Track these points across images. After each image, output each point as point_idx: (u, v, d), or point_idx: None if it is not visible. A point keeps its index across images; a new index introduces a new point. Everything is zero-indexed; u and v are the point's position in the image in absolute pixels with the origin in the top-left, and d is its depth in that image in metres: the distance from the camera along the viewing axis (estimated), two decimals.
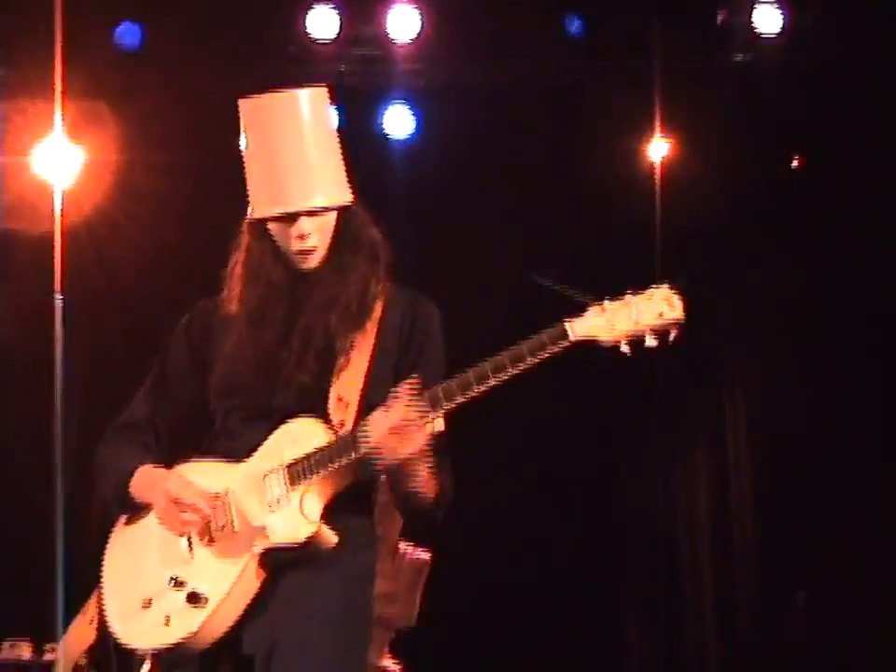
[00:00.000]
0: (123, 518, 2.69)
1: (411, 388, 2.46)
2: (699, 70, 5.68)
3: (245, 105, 2.66)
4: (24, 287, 5.58)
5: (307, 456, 2.55)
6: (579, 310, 2.51)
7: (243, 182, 6.03)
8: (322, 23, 5.58)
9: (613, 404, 5.85)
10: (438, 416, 2.50)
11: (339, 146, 2.65)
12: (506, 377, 2.48)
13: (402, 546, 5.21)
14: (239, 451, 2.62)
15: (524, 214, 5.74)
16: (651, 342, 2.50)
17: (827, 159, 5.76)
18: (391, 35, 5.61)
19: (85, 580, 2.80)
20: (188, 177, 5.64)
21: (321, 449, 2.54)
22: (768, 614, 5.86)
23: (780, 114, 5.68)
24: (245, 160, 2.66)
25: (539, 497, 5.86)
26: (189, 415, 2.71)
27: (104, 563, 2.66)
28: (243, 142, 2.67)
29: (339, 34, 5.61)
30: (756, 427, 6.10)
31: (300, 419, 2.59)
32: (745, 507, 6.08)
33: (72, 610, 4.74)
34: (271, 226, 2.61)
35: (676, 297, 2.51)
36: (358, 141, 5.72)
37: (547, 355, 2.49)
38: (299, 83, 6.19)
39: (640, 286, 2.53)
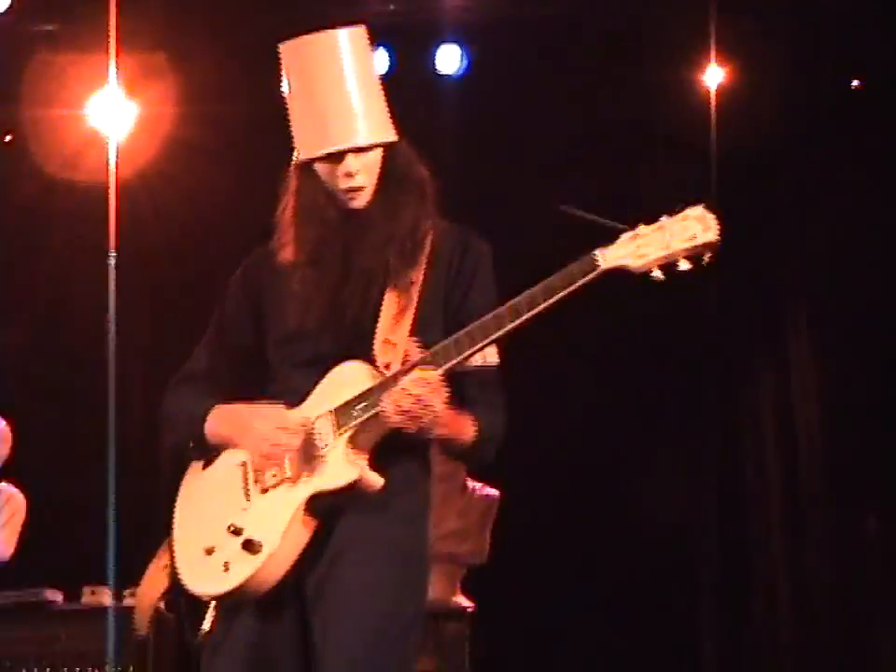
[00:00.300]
0: (198, 465, 2.69)
1: (418, 361, 2.49)
2: None
3: (285, 49, 2.63)
4: (79, 239, 5.63)
5: (352, 400, 2.55)
6: (612, 239, 2.44)
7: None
8: None
9: (672, 337, 5.82)
10: (449, 368, 2.49)
11: (380, 84, 2.63)
12: (538, 311, 2.45)
13: (471, 484, 5.24)
14: (292, 397, 2.62)
15: (579, 148, 5.69)
16: (684, 266, 2.40)
17: (888, 79, 5.64)
18: None
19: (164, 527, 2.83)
20: (243, 128, 5.65)
21: (365, 392, 2.55)
22: (839, 541, 5.81)
23: (838, 35, 5.54)
24: (287, 103, 2.64)
25: (602, 430, 5.87)
26: (247, 364, 2.71)
27: (175, 510, 2.67)
28: (285, 86, 2.65)
29: None
30: (822, 353, 6.04)
31: (347, 363, 2.59)
32: (812, 434, 6.01)
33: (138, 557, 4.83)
34: (318, 167, 2.60)
35: (711, 217, 2.40)
36: (409, 80, 5.81)
37: (578, 286, 2.44)
38: (347, 24, 6.16)
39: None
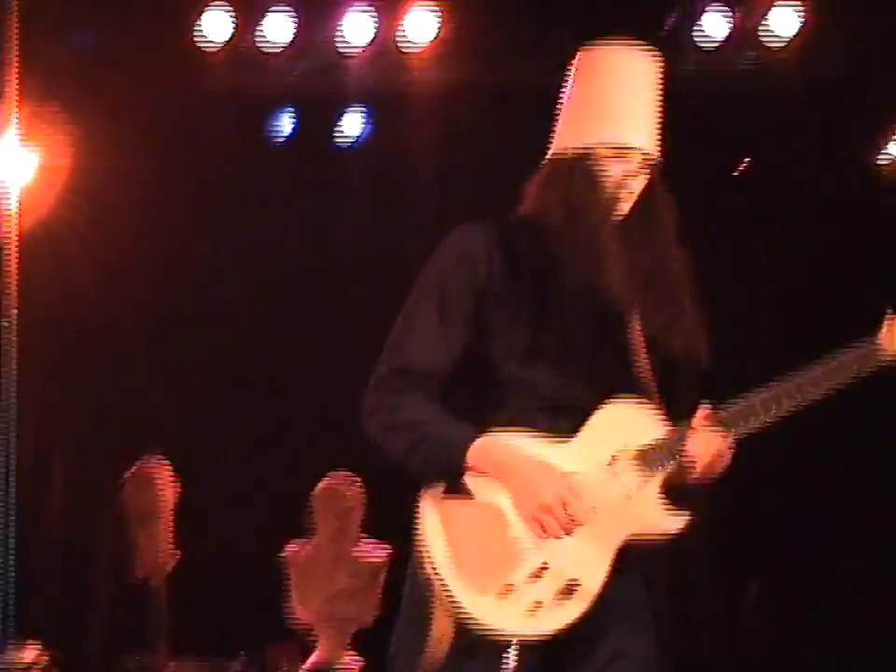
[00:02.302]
0: (441, 490, 2.39)
1: (718, 420, 2.41)
2: None
3: (585, 51, 2.55)
4: None
5: (658, 445, 2.42)
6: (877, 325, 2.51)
7: (204, 182, 5.98)
8: (277, 29, 5.61)
9: None
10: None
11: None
12: (819, 395, 2.45)
13: (362, 545, 5.28)
14: (557, 424, 2.42)
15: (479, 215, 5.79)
16: None
17: (774, 161, 5.85)
18: (345, 42, 5.66)
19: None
20: (144, 181, 5.67)
21: (668, 440, 2.42)
22: (721, 605, 5.89)
23: (730, 116, 5.71)
24: (567, 101, 2.53)
25: None
26: (467, 366, 2.45)
27: (427, 543, 2.35)
28: (569, 86, 2.55)
29: (293, 40, 5.65)
30: None
31: (626, 400, 2.44)
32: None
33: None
34: (599, 161, 2.46)
35: None
36: (311, 146, 5.87)
37: (859, 373, 2.46)
38: (252, 86, 6.16)
39: None
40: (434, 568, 2.34)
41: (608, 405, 2.42)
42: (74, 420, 5.88)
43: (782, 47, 5.53)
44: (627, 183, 2.46)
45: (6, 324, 4.74)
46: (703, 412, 2.42)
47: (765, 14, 5.52)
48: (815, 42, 5.53)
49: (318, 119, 6.09)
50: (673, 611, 6.05)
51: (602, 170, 2.46)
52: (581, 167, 2.46)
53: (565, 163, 2.48)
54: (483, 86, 5.75)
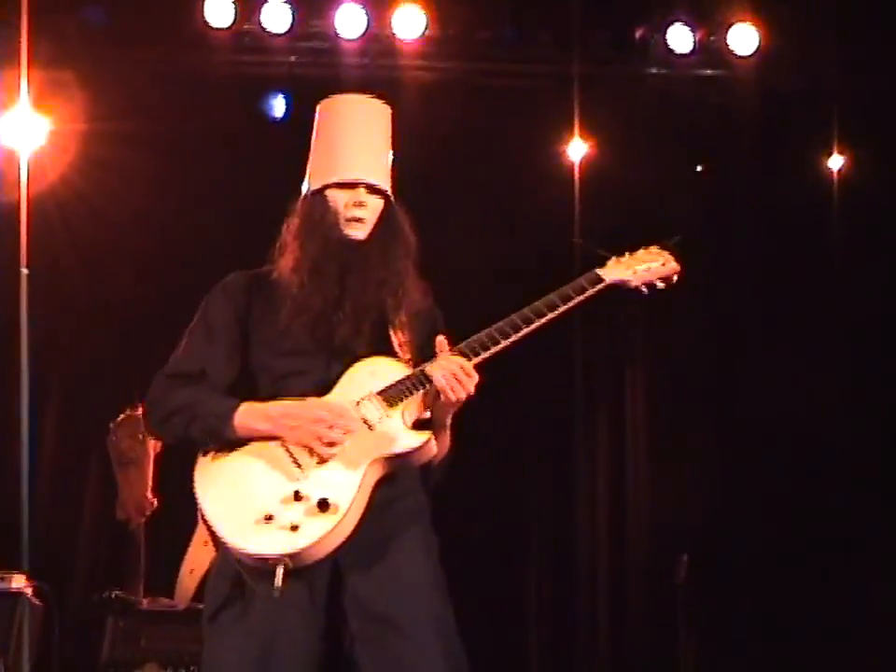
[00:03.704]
0: (210, 454, 2.82)
1: (455, 350, 2.81)
2: (618, 78, 6.03)
3: (324, 102, 3.01)
4: None
5: (397, 383, 2.81)
6: (599, 263, 2.97)
7: (205, 154, 6.20)
8: (276, 18, 5.93)
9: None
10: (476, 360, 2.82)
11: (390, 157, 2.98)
12: (554, 315, 2.86)
13: None
14: (312, 391, 2.84)
15: (443, 212, 6.07)
16: (660, 285, 3.01)
17: (729, 166, 6.17)
18: (339, 32, 5.99)
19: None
20: (152, 147, 5.84)
21: (410, 376, 2.82)
22: (654, 576, 6.17)
23: (690, 123, 6.06)
24: (312, 149, 2.99)
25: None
26: (234, 373, 2.92)
27: (198, 495, 2.77)
28: (314, 135, 3.00)
29: (290, 28, 5.98)
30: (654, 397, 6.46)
31: (375, 357, 2.86)
32: (640, 474, 6.45)
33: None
34: (330, 194, 2.93)
35: (668, 252, 3.05)
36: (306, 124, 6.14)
37: (587, 296, 2.90)
38: (253, 71, 6.39)
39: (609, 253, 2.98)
40: (204, 514, 2.76)
41: (358, 364, 2.86)
42: (74, 369, 6.13)
43: (741, 61, 5.89)
44: (357, 209, 2.92)
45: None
46: (441, 346, 2.80)
47: (726, 31, 5.90)
48: (771, 59, 5.89)
49: (312, 102, 6.38)
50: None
51: (331, 202, 2.93)
52: (314, 202, 2.94)
53: (305, 203, 2.97)
54: (467, 79, 6.06)
